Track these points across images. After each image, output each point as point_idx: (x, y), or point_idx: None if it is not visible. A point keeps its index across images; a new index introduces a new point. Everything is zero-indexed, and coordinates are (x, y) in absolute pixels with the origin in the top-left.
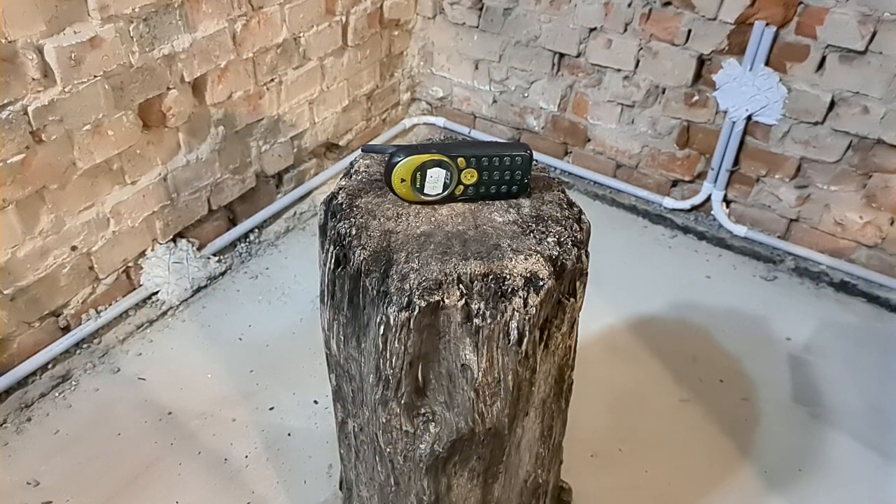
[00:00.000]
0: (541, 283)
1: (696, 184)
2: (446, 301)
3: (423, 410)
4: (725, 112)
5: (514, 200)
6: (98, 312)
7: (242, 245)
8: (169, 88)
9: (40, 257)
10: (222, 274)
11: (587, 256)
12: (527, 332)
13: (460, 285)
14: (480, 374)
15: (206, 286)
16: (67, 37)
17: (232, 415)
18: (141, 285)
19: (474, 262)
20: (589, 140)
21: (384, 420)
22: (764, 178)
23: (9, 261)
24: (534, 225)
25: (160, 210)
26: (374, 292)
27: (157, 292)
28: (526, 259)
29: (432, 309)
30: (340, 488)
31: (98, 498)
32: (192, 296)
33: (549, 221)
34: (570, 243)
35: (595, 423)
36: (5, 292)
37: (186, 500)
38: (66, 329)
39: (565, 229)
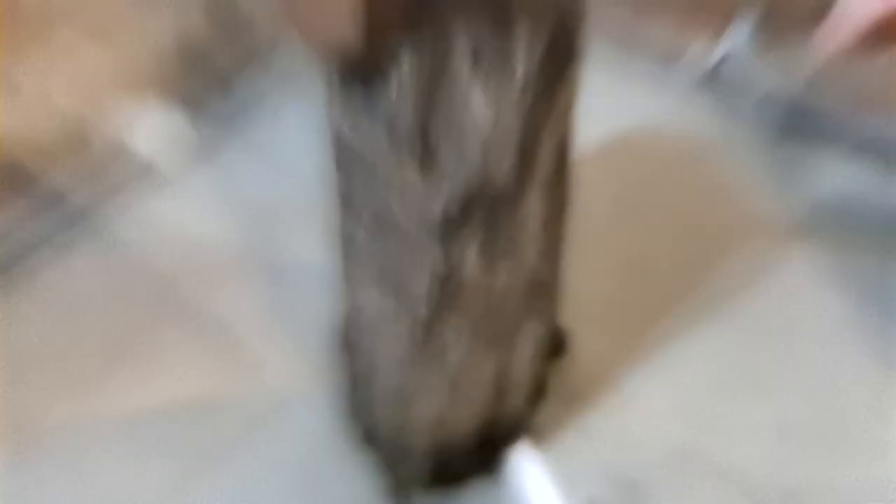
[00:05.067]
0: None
1: (718, 38)
2: (455, 41)
3: (435, 166)
4: None
5: None
6: (94, 178)
7: (236, 107)
8: None
9: (29, 123)
10: (216, 138)
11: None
12: (531, 80)
13: (466, 23)
14: (489, 118)
15: (198, 151)
16: None
17: (230, 280)
18: (136, 150)
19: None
20: None
21: (399, 183)
22: None
23: None
24: None
25: (152, 71)
26: None
27: (152, 157)
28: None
29: (442, 51)
30: (336, 349)
31: (100, 357)
32: (185, 161)
33: None
34: None
35: (600, 286)
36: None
37: (187, 361)
38: (64, 195)
39: None
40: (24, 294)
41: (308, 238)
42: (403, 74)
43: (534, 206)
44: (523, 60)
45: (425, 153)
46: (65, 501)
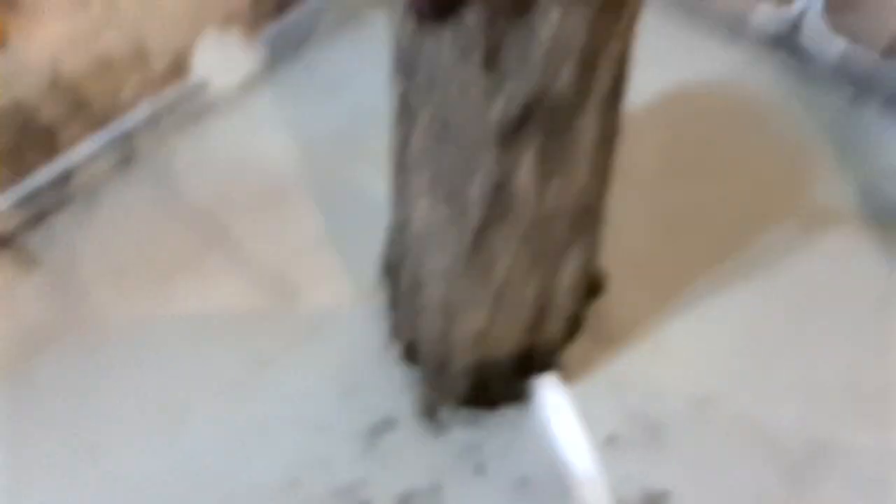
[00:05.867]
0: None
1: None
2: None
3: (497, 67)
4: None
5: None
6: (154, 96)
7: (295, 34)
8: None
9: (95, 35)
10: (274, 64)
11: None
12: None
13: None
14: (556, 22)
15: (258, 77)
16: None
17: (284, 204)
18: (194, 73)
19: None
20: None
21: (461, 80)
22: None
23: (67, 37)
24: None
25: None
26: None
27: (209, 81)
28: None
29: None
30: (383, 273)
31: (162, 268)
32: (244, 86)
33: None
34: None
35: (643, 237)
36: (67, 68)
37: (244, 275)
38: (125, 112)
39: None
40: (88, 213)
41: (361, 166)
42: None
43: (589, 123)
44: None
45: (490, 52)
46: (129, 391)
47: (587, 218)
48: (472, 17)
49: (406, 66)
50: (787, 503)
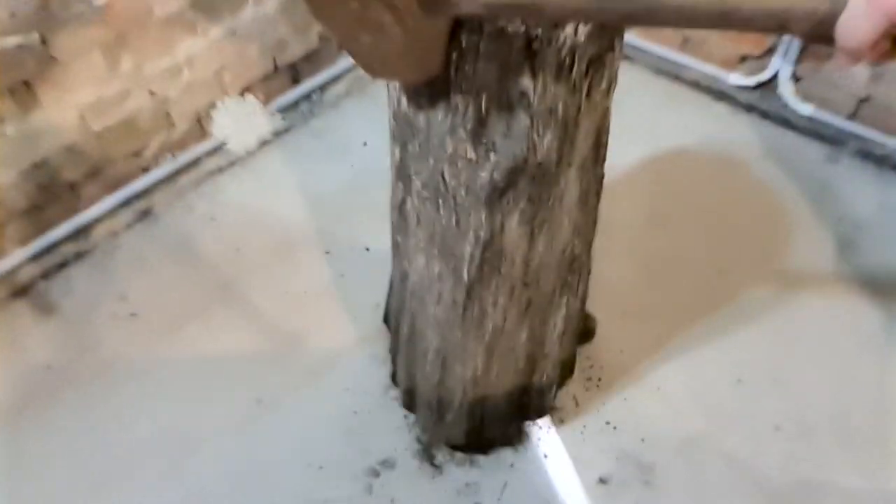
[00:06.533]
0: None
1: (765, 59)
2: (509, 28)
3: (484, 140)
4: None
5: None
6: (174, 157)
7: (305, 104)
8: None
9: (122, 99)
10: (286, 130)
11: None
12: (576, 61)
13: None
14: (536, 99)
15: (270, 141)
16: None
17: (292, 255)
18: (212, 135)
19: None
20: None
21: (451, 151)
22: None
23: (96, 99)
24: None
25: (229, 63)
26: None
27: (226, 143)
28: None
29: (498, 34)
30: (385, 321)
31: (174, 314)
32: (258, 148)
33: None
34: None
35: (630, 284)
36: (94, 129)
37: (252, 321)
38: (147, 169)
39: None
40: (105, 263)
41: (365, 220)
42: (466, 64)
43: (571, 184)
44: (568, 48)
45: (477, 126)
46: (137, 430)
47: (573, 268)
48: (460, 96)
49: (401, 137)
50: None
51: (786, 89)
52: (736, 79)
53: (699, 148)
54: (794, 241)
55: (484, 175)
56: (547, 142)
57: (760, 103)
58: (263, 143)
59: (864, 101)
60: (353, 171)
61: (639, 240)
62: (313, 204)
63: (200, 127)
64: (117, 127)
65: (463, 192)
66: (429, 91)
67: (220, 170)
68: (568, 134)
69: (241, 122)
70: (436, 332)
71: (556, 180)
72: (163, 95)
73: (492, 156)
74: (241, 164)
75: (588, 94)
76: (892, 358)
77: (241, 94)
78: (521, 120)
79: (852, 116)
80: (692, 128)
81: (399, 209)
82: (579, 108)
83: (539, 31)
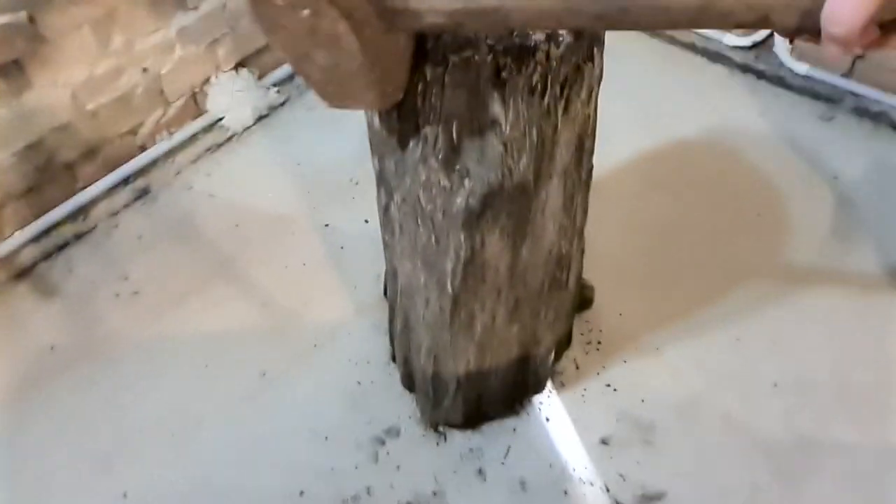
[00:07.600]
0: (560, 39)
1: None
2: (476, 57)
3: (457, 167)
4: None
5: None
6: (170, 134)
7: (300, 77)
8: None
9: (115, 77)
10: (282, 104)
11: None
12: (549, 85)
13: (488, 41)
14: (508, 126)
15: (266, 115)
16: None
17: (291, 229)
18: (207, 111)
19: None
20: None
21: (424, 178)
22: None
23: (88, 78)
24: None
25: (221, 37)
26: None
27: (221, 118)
28: None
29: (464, 64)
30: (385, 294)
31: (176, 292)
32: (254, 123)
33: None
34: None
35: (627, 250)
36: (88, 108)
37: (253, 296)
38: (143, 148)
39: None
40: (105, 243)
41: (362, 192)
42: (433, 94)
43: (553, 191)
44: (540, 74)
45: (448, 155)
46: (141, 407)
47: (562, 264)
48: (429, 127)
49: (379, 150)
50: (781, 500)
51: (781, 48)
52: (731, 39)
53: (695, 111)
54: (791, 201)
55: (459, 201)
56: (523, 165)
57: (756, 63)
58: (259, 118)
59: (859, 58)
60: (350, 144)
61: (635, 205)
62: (311, 177)
63: (195, 103)
64: (111, 105)
65: (440, 216)
66: (398, 117)
67: (217, 146)
68: (546, 151)
69: (236, 97)
70: (426, 332)
71: (537, 194)
72: (156, 72)
73: (466, 182)
74: (238, 140)
75: (566, 110)
76: (892, 313)
77: (235, 68)
78: (494, 147)
79: (848, 74)
80: (688, 90)
81: (384, 211)
82: (556, 128)
83: (508, 59)
